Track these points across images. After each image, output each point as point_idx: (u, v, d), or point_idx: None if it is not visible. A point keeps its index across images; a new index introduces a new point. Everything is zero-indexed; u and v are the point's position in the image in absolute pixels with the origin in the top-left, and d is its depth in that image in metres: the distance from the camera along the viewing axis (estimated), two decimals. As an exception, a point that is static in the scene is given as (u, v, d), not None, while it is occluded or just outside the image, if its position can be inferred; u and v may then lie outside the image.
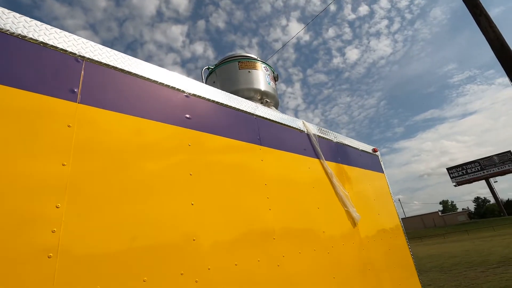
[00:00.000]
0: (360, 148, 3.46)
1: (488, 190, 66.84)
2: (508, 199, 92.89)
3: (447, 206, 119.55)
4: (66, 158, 1.14)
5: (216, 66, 2.58)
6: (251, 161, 1.93)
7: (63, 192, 1.09)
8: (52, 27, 1.30)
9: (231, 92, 2.11)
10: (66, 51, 1.30)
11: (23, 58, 1.17)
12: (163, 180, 1.41)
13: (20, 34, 1.18)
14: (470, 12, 6.26)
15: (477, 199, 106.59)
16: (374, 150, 3.77)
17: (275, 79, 2.70)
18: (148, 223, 1.28)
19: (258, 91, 2.46)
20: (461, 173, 67.58)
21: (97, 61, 1.38)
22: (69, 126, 1.19)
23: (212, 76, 2.58)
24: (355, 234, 2.55)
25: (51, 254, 1.00)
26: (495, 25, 6.06)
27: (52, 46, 1.26)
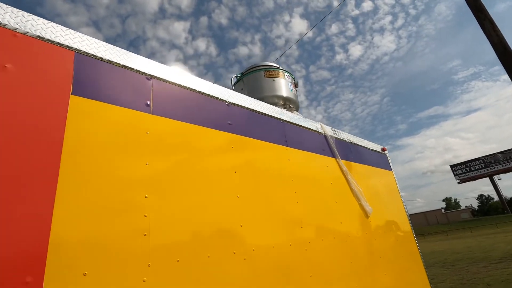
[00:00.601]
0: (370, 148, 3.74)
1: (492, 187, 66.72)
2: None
3: (450, 204, 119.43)
4: (148, 159, 1.44)
5: (243, 74, 2.88)
6: (280, 160, 2.23)
7: (149, 186, 1.39)
8: (127, 51, 1.59)
9: (257, 99, 2.39)
10: (139, 71, 1.59)
11: (111, 79, 1.46)
12: (215, 177, 1.71)
13: (108, 59, 1.48)
14: (474, 16, 6.47)
15: (480, 197, 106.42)
16: (383, 149, 4.05)
17: (296, 85, 2.99)
18: (207, 211, 1.58)
19: (282, 97, 2.76)
20: (465, 171, 67.43)
21: (163, 79, 1.68)
22: (147, 133, 1.49)
23: (240, 84, 2.87)
24: (367, 225, 2.85)
25: (145, 233, 1.30)
26: (498, 29, 6.27)
27: (130, 68, 1.56)
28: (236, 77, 2.93)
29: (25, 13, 1.28)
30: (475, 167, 66.12)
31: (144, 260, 1.26)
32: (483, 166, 64.82)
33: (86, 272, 1.09)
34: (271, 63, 2.95)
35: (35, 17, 1.30)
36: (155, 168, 1.45)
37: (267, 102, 2.48)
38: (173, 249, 1.37)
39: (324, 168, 2.66)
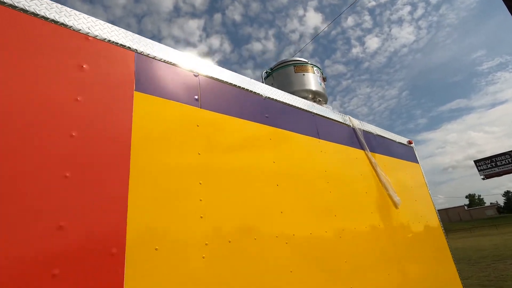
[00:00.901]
0: (397, 141, 3.75)
1: (519, 183, 63.56)
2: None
3: (474, 200, 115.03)
4: (199, 149, 1.57)
5: (273, 70, 2.97)
6: (313, 151, 2.32)
7: (201, 173, 1.52)
8: (178, 51, 1.73)
9: (288, 93, 2.48)
10: (186, 69, 1.72)
11: (166, 76, 1.60)
12: (257, 166, 1.83)
13: (162, 58, 1.62)
14: (503, 0, 6.21)
15: (507, 193, 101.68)
16: (409, 142, 4.04)
17: (324, 79, 3.05)
18: (251, 197, 1.70)
19: (311, 91, 2.84)
20: (490, 166, 64.47)
21: (208, 76, 1.80)
22: (197, 126, 1.62)
23: (270, 79, 2.97)
24: (396, 216, 2.89)
25: (202, 216, 1.44)
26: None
27: (180, 66, 1.69)
28: (266, 72, 3.03)
29: (94, 18, 1.43)
30: (501, 162, 63.07)
31: (202, 239, 1.39)
32: (511, 161, 61.85)
33: (157, 247, 1.24)
34: (299, 58, 3.03)
35: (102, 22, 1.45)
36: (206, 158, 1.58)
37: (297, 96, 2.56)
38: (225, 230, 1.50)
39: (354, 160, 2.73)
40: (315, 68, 2.94)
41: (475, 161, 68.05)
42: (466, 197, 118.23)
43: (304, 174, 2.13)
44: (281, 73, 2.90)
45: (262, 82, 3.08)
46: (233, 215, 1.56)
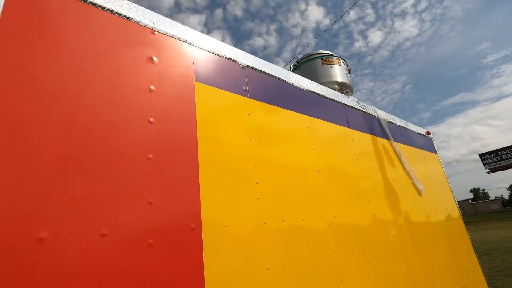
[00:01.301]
0: (417, 131, 3.84)
1: (525, 177, 63.18)
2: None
3: (478, 194, 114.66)
4: (251, 136, 1.68)
5: (300, 62, 3.06)
6: (345, 140, 2.42)
7: (255, 158, 1.64)
8: (228, 45, 1.83)
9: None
10: (235, 61, 1.83)
11: (219, 68, 1.71)
12: (299, 153, 1.93)
13: (215, 52, 1.72)
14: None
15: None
16: (428, 133, 4.12)
17: (350, 71, 3.14)
18: (297, 181, 1.81)
19: (339, 83, 2.93)
20: (495, 159, 64.11)
21: (253, 68, 1.90)
22: (248, 114, 1.73)
23: (297, 71, 3.07)
24: (421, 203, 2.99)
25: (259, 197, 1.55)
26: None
27: (229, 58, 1.79)
28: (294, 65, 3.13)
29: (156, 14, 1.53)
30: (507, 156, 62.65)
31: (261, 218, 1.51)
32: (516, 155, 61.39)
33: (226, 224, 1.36)
34: (324, 51, 3.11)
35: (163, 17, 1.55)
36: (257, 144, 1.69)
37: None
38: (278, 211, 1.61)
39: (380, 149, 2.82)
40: (341, 60, 3.03)
41: (480, 155, 67.68)
42: (470, 191, 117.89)
43: (339, 161, 2.24)
44: (309, 66, 3.00)
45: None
46: (283, 197, 1.68)
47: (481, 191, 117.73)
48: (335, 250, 1.80)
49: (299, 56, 2.92)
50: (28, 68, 1.03)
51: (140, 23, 1.44)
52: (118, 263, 1.01)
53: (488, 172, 66.99)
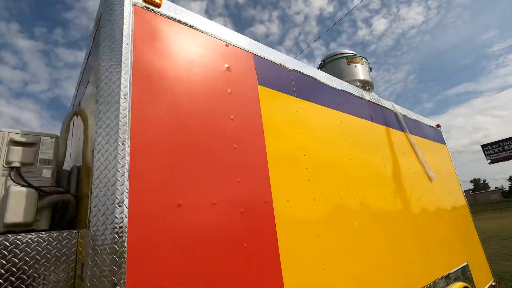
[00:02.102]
0: (428, 124, 4.17)
1: (526, 168, 63.30)
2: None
3: (479, 185, 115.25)
4: (300, 130, 2.03)
5: (326, 61, 3.38)
6: (368, 132, 2.76)
7: (304, 148, 1.99)
8: (277, 51, 2.15)
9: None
10: (284, 65, 2.16)
11: (273, 72, 2.04)
12: (335, 142, 2.28)
13: (269, 58, 2.05)
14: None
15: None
16: (438, 126, 4.46)
17: (371, 69, 3.46)
18: (335, 166, 2.17)
19: (362, 80, 3.25)
20: (497, 150, 64.20)
21: (300, 72, 2.24)
22: (296, 111, 2.07)
23: (323, 69, 3.38)
24: (432, 188, 3.36)
25: (309, 179, 1.91)
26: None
27: (279, 64, 2.12)
28: (321, 64, 3.44)
29: (227, 28, 1.86)
30: (509, 147, 62.79)
31: (312, 196, 1.87)
32: (518, 146, 61.48)
33: (288, 199, 1.72)
34: (348, 50, 3.42)
35: (231, 31, 1.88)
36: (305, 136, 2.04)
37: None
38: (323, 191, 1.98)
39: (398, 140, 3.17)
40: (364, 60, 3.34)
41: (482, 146, 67.85)
42: (471, 181, 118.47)
43: (365, 151, 2.59)
44: (335, 65, 3.32)
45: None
46: (325, 181, 2.04)
47: (481, 182, 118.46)
48: (366, 228, 2.18)
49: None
50: (154, 77, 1.37)
51: (217, 37, 1.77)
52: (223, 223, 1.38)
53: (490, 163, 67.38)
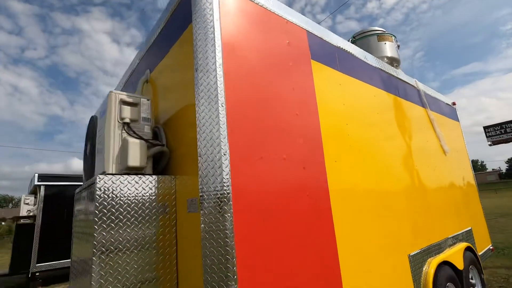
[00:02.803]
0: (445, 102, 4.40)
1: (525, 150, 63.68)
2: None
3: (477, 166, 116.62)
4: (344, 101, 2.28)
5: (357, 38, 3.54)
6: (396, 106, 3.01)
7: (346, 117, 2.25)
8: (325, 28, 2.34)
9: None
10: (330, 42, 2.36)
11: (322, 48, 2.25)
12: (370, 115, 2.54)
13: (319, 35, 2.25)
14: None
15: (510, 160, 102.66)
16: (453, 104, 4.69)
17: (398, 47, 3.62)
18: (371, 136, 2.44)
19: (389, 57, 3.43)
20: (499, 132, 64.34)
21: (343, 49, 2.45)
22: (340, 84, 2.31)
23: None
24: (446, 160, 3.67)
25: (350, 145, 2.19)
26: None
27: (327, 40, 2.33)
28: (351, 40, 3.60)
29: (288, 7, 2.05)
30: (511, 129, 62.88)
31: (354, 160, 2.17)
32: (520, 128, 61.51)
33: (336, 160, 2.02)
34: (378, 28, 3.56)
35: (285, 6, 2.07)
36: (347, 107, 2.30)
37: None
38: (361, 156, 2.27)
39: (419, 115, 3.43)
40: (393, 37, 3.50)
41: (485, 127, 67.97)
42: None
43: (392, 124, 2.86)
44: (365, 41, 3.48)
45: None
46: (361, 147, 2.33)
47: (479, 163, 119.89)
48: (393, 186, 2.50)
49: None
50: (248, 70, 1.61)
51: (279, 14, 1.97)
52: (291, 174, 1.68)
53: (490, 145, 67.89)
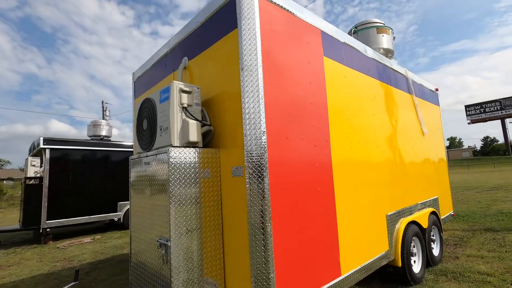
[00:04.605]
0: (429, 88, 4.97)
1: (498, 131, 67.19)
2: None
3: (454, 143, 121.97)
4: (346, 91, 2.78)
5: (358, 28, 3.93)
6: (387, 94, 3.54)
7: (348, 104, 2.77)
8: (334, 26, 2.76)
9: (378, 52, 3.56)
10: (338, 39, 2.79)
11: (332, 45, 2.69)
12: (366, 102, 3.07)
13: (329, 33, 2.68)
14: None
15: (486, 138, 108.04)
16: (436, 89, 5.27)
17: (394, 38, 4.05)
18: (365, 121, 2.99)
19: (385, 49, 3.88)
20: (479, 111, 67.11)
21: (348, 44, 2.89)
22: (344, 76, 2.79)
23: (354, 37, 3.95)
24: (424, 140, 4.32)
25: (349, 127, 2.74)
26: None
27: (335, 38, 2.76)
28: (354, 30, 3.99)
29: (304, 8, 2.44)
30: (490, 109, 65.56)
31: (352, 139, 2.72)
32: (499, 108, 64.29)
33: (338, 140, 2.56)
34: (378, 20, 3.95)
35: (305, 9, 2.47)
36: (349, 96, 2.80)
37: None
38: (357, 136, 2.82)
39: (405, 101, 3.99)
40: (390, 30, 3.92)
41: (466, 106, 70.48)
42: (448, 139, 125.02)
43: (383, 108, 3.40)
44: (365, 33, 3.89)
45: (350, 38, 4.09)
46: (358, 129, 2.88)
47: (457, 140, 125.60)
48: (380, 160, 3.11)
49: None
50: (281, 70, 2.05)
51: (300, 17, 2.38)
52: (307, 150, 2.22)
53: (469, 123, 70.94)
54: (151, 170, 2.13)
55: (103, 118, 19.67)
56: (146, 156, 2.20)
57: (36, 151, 8.00)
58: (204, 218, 2.04)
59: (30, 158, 8.25)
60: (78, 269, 2.58)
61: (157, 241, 1.97)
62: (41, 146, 7.47)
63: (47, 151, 7.54)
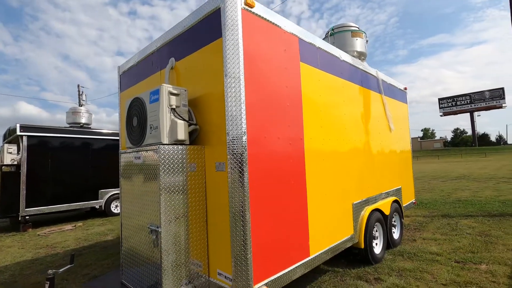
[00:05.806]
0: (398, 87, 5.40)
1: (468, 123, 71.28)
2: (484, 132, 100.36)
3: (427, 134, 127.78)
4: (320, 93, 3.08)
5: (335, 31, 4.20)
6: (358, 94, 3.89)
7: (322, 105, 3.08)
8: (310, 32, 3.02)
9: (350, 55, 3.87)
10: (314, 45, 3.07)
11: (308, 51, 2.96)
12: (339, 101, 3.39)
13: (306, 40, 2.94)
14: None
15: (456, 130, 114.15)
16: (405, 88, 5.71)
17: (367, 41, 4.37)
18: (336, 119, 3.32)
19: (358, 52, 4.20)
20: (451, 104, 70.59)
21: (323, 49, 3.17)
22: (319, 80, 3.09)
23: (331, 39, 4.23)
24: (390, 136, 4.76)
25: (321, 126, 3.06)
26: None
27: (311, 43, 3.03)
28: (330, 32, 4.26)
29: (283, 18, 2.68)
30: (461, 102, 69.13)
31: (323, 136, 3.05)
32: (468, 102, 67.92)
33: (311, 137, 2.88)
34: (353, 24, 4.24)
35: (283, 18, 2.71)
36: (322, 97, 3.11)
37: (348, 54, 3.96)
38: (329, 133, 3.15)
39: (376, 100, 4.37)
40: (363, 34, 4.23)
41: (439, 99, 73.89)
42: (421, 130, 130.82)
43: (354, 108, 3.75)
44: (341, 36, 4.18)
45: (328, 41, 4.36)
46: (330, 127, 3.21)
47: (430, 131, 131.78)
48: (350, 154, 3.48)
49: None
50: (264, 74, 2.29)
51: (279, 26, 2.62)
52: (283, 148, 2.51)
53: (441, 115, 74.87)
54: (142, 164, 2.35)
55: (79, 103, 19.04)
56: (137, 152, 2.41)
57: (12, 138, 7.82)
58: (190, 206, 2.30)
59: (6, 145, 8.05)
60: (74, 253, 2.78)
61: (148, 227, 2.22)
62: (18, 133, 7.32)
63: (24, 138, 7.40)
